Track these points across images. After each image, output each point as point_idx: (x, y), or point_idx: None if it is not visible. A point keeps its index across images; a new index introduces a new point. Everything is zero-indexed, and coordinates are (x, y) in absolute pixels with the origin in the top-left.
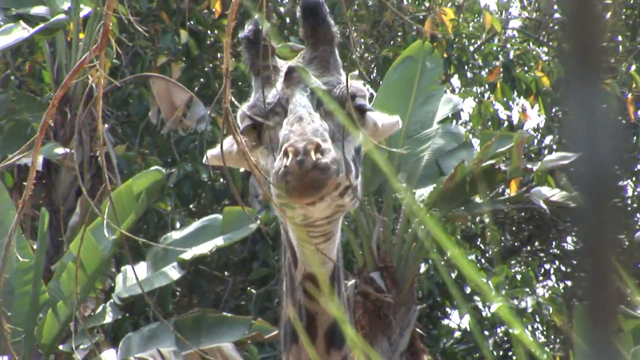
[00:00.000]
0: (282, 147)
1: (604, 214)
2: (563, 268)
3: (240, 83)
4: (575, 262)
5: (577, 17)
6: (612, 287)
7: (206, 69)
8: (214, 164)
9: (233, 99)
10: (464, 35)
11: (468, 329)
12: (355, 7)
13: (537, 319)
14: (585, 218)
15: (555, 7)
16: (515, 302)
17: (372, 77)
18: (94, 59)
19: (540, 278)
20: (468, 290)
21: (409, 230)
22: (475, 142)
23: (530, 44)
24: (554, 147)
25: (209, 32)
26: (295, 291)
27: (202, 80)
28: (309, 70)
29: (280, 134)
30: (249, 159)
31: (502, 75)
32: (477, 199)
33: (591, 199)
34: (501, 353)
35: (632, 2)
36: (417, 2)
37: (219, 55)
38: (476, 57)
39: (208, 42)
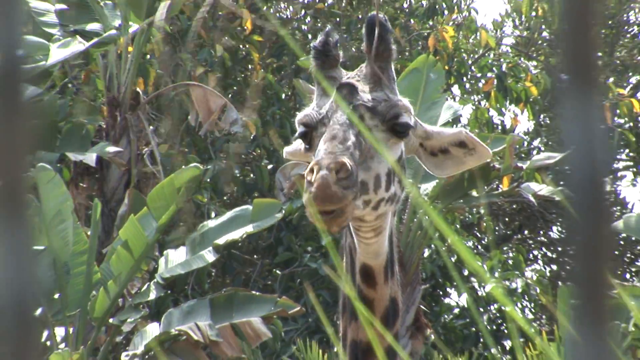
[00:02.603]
0: (312, 163)
1: (599, 210)
2: (549, 254)
3: (268, 91)
4: (570, 256)
5: (575, 31)
6: (606, 280)
7: (238, 79)
8: (289, 159)
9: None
10: (462, 50)
11: (466, 306)
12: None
13: (526, 298)
14: (583, 215)
15: (543, 26)
16: (507, 283)
17: None
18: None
19: (529, 262)
20: (466, 272)
21: (415, 219)
22: None
23: (521, 58)
24: (542, 148)
25: (241, 46)
26: (355, 275)
27: (235, 88)
28: (363, 84)
29: (317, 148)
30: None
31: (496, 85)
32: (474, 193)
33: (588, 199)
34: (494, 327)
35: (610, 22)
36: (421, 22)
37: (249, 66)
38: (473, 69)
39: (240, 55)
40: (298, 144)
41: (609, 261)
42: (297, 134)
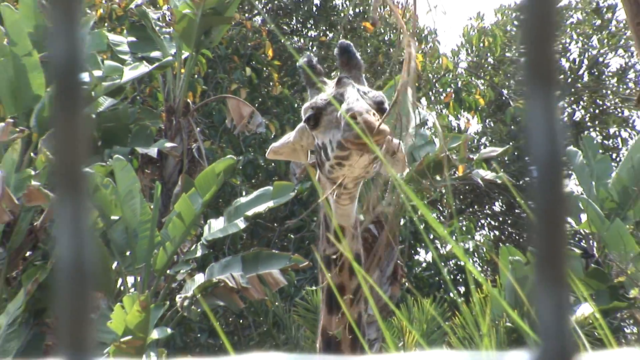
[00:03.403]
0: (349, 111)
1: (560, 184)
2: (492, 222)
3: (285, 102)
4: (533, 225)
5: (538, 38)
6: (565, 242)
7: (262, 92)
8: (271, 157)
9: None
10: (429, 71)
11: (431, 261)
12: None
13: (476, 256)
14: (546, 188)
15: (488, 54)
16: (462, 244)
17: None
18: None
19: (478, 229)
20: (432, 236)
21: (393, 197)
22: (436, 141)
23: (472, 78)
24: (487, 144)
25: (264, 68)
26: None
27: (260, 99)
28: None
29: (342, 110)
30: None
31: (453, 97)
32: (438, 177)
33: (550, 176)
34: (452, 277)
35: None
36: (398, 50)
37: (270, 83)
38: (437, 85)
39: (264, 75)
40: (286, 138)
41: (565, 227)
42: (306, 117)
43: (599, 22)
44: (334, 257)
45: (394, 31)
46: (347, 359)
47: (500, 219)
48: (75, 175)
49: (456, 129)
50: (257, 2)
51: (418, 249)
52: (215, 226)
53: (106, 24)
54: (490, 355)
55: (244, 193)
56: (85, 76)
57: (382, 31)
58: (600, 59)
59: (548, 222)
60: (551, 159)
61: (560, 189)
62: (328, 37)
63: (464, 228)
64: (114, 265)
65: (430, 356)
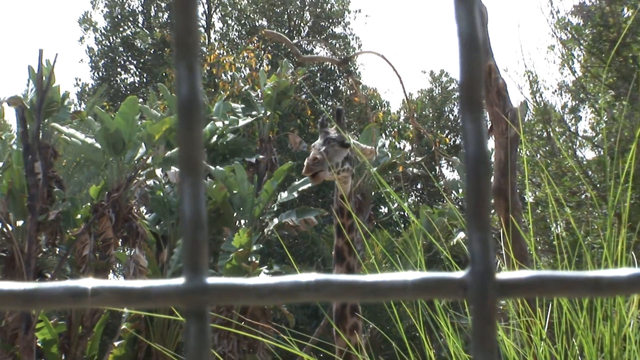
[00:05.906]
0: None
1: (486, 177)
2: (417, 193)
3: (314, 134)
4: (468, 198)
5: (469, 81)
6: (488, 204)
7: (306, 131)
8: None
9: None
10: (386, 122)
11: (387, 211)
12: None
13: (410, 209)
14: (477, 180)
15: (415, 113)
16: (404, 202)
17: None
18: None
19: (410, 196)
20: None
21: (369, 179)
22: (389, 154)
23: (407, 124)
24: (413, 155)
25: (306, 120)
26: (338, 202)
27: (304, 135)
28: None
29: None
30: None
31: (397, 133)
32: (390, 172)
33: (479, 171)
34: (398, 219)
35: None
36: (371, 110)
37: (309, 127)
38: (389, 127)
39: (306, 123)
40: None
41: (488, 194)
42: (316, 158)
43: None
44: (339, 209)
45: (368, 102)
46: (352, 279)
47: (420, 191)
48: (193, 165)
49: (400, 148)
50: (305, 88)
51: (381, 205)
52: (283, 196)
53: (230, 99)
54: (438, 274)
55: (296, 179)
56: (201, 109)
57: (363, 102)
58: None
59: (477, 191)
60: (480, 156)
61: (485, 173)
62: (337, 105)
63: (403, 195)
64: (234, 214)
65: (390, 276)
